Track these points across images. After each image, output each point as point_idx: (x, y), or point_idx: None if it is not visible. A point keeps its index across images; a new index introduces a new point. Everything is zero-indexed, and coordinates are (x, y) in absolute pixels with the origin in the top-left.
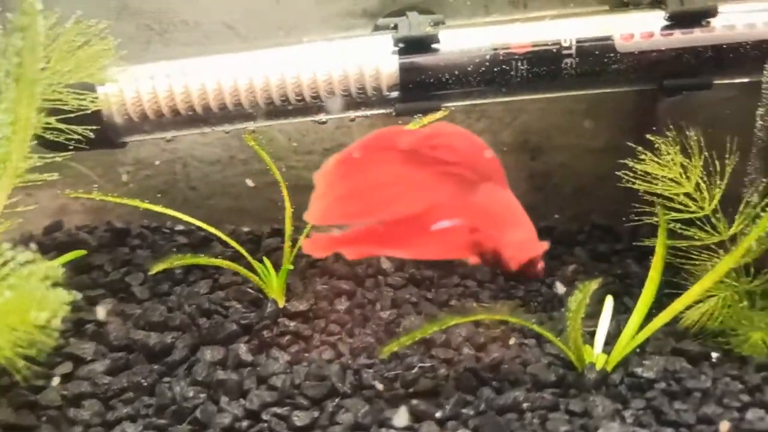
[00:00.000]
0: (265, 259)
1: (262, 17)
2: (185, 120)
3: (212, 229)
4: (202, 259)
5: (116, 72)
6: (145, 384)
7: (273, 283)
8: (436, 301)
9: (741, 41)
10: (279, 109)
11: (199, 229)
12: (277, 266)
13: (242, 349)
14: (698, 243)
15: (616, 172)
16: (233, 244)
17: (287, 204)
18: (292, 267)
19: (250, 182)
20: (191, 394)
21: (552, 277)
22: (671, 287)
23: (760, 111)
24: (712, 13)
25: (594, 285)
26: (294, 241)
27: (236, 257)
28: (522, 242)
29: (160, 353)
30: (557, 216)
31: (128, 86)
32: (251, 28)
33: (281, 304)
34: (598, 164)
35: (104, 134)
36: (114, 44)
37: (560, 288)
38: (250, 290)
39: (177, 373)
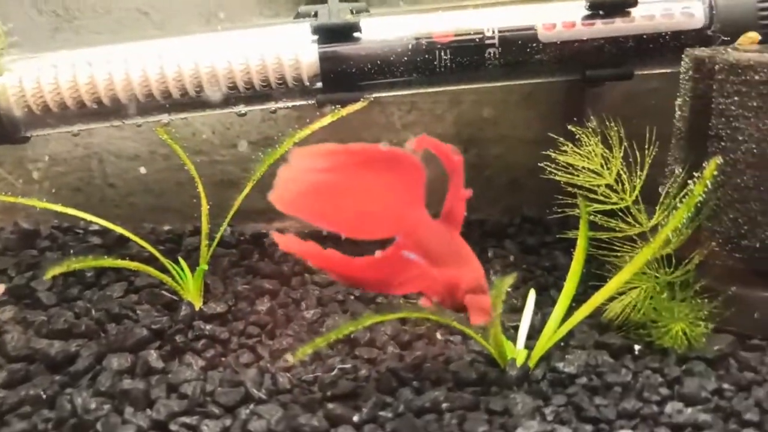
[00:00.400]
0: (180, 259)
1: (179, 3)
2: (92, 113)
3: (120, 230)
4: (105, 261)
5: (10, 61)
6: (45, 396)
7: (189, 285)
8: (363, 299)
9: (660, 31)
10: (194, 100)
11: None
12: (196, 266)
13: (152, 356)
14: (620, 234)
15: (547, 164)
16: (143, 244)
17: (203, 202)
18: (206, 267)
19: (143, 170)
20: (94, 405)
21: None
22: (597, 279)
23: (679, 101)
24: (631, 2)
25: (509, 281)
26: (212, 240)
27: (154, 258)
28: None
29: (63, 363)
30: (490, 210)
31: (28, 76)
32: (167, 14)
33: (198, 306)
34: (531, 156)
35: (2, 128)
36: (5, 30)
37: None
38: (165, 293)
39: (80, 384)
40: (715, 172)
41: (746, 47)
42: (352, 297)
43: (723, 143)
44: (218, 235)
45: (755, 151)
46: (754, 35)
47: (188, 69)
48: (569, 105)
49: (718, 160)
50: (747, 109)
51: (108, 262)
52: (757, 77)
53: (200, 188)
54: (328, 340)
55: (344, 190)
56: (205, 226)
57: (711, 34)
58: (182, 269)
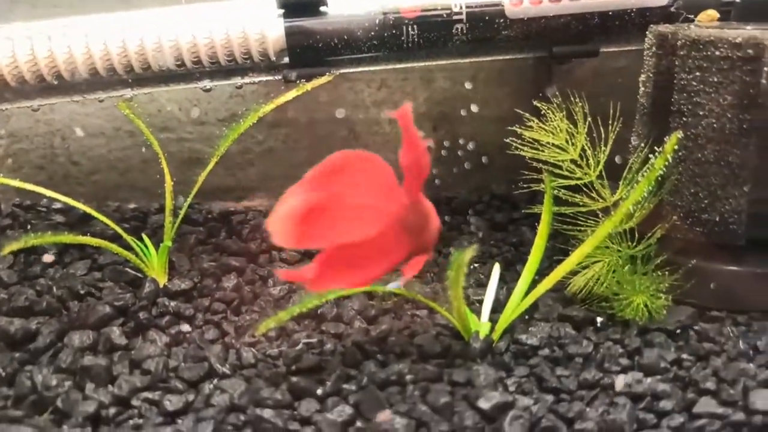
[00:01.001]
0: (144, 236)
1: None
2: (52, 87)
3: (83, 207)
4: (65, 237)
5: None
6: (4, 374)
7: (153, 262)
8: None
9: (626, 8)
10: (158, 74)
11: None
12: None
13: (115, 333)
14: (584, 209)
15: (513, 140)
16: (107, 221)
17: (167, 178)
18: (170, 244)
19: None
20: (54, 382)
21: (449, 248)
22: (563, 254)
23: (642, 77)
24: None
25: (469, 253)
26: (176, 216)
27: (118, 236)
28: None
29: (23, 340)
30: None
31: None
32: None
33: (162, 283)
34: (501, 133)
35: None
36: None
37: None
38: (129, 270)
39: (40, 361)
40: (676, 147)
41: (706, 24)
42: None
43: (685, 118)
44: (182, 212)
45: (715, 125)
46: (712, 13)
47: (151, 43)
48: (539, 82)
49: (679, 134)
50: (708, 85)
51: (68, 238)
52: (717, 53)
53: (164, 164)
54: (291, 314)
55: (330, 205)
56: (169, 203)
57: (674, 11)
58: (146, 246)
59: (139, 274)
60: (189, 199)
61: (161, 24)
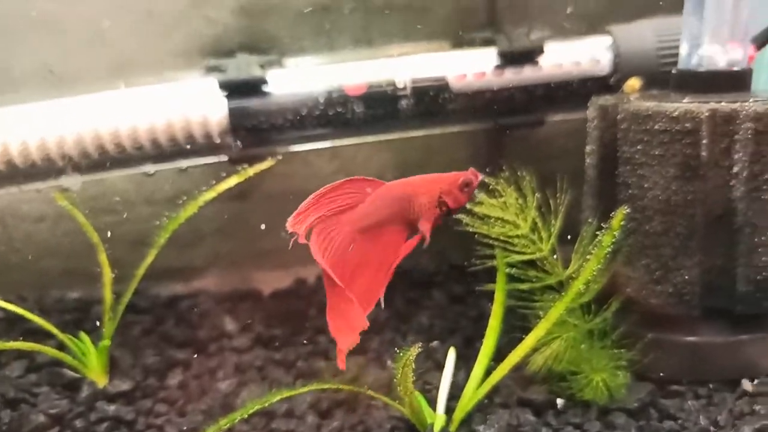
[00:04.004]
0: (83, 334)
1: (86, 58)
2: None
3: (14, 308)
4: None
5: None
6: None
7: (92, 361)
8: (283, 363)
9: (568, 78)
10: (97, 162)
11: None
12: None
13: None
14: (539, 285)
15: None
16: (38, 321)
17: (106, 271)
18: (109, 343)
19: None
20: None
21: (408, 324)
22: (521, 331)
23: (588, 148)
24: (539, 51)
25: (414, 351)
26: (120, 304)
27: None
28: None
29: None
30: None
31: None
32: (72, 70)
33: (102, 384)
34: None
35: None
36: None
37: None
38: (67, 371)
39: None
40: (625, 221)
41: (641, 94)
42: (272, 362)
43: (631, 191)
44: (124, 302)
45: (661, 197)
46: (634, 82)
47: (89, 130)
48: (492, 148)
49: (625, 209)
50: (650, 157)
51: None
52: (656, 126)
53: (102, 257)
54: (232, 422)
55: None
56: (108, 297)
57: (615, 81)
58: (84, 344)
59: (78, 375)
60: (132, 287)
61: (102, 110)
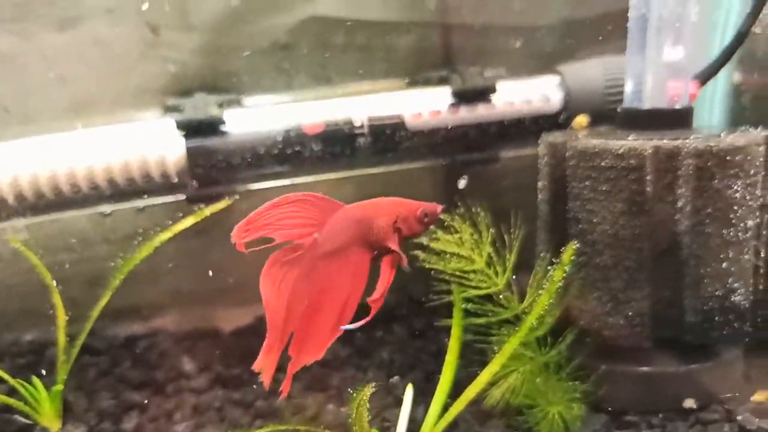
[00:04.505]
0: (35, 378)
1: (44, 97)
2: None
3: None
4: None
5: None
6: None
7: (45, 407)
8: (242, 403)
9: (520, 116)
10: (53, 202)
11: None
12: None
13: None
14: (495, 319)
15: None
16: None
17: (60, 313)
18: (62, 388)
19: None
20: None
21: (369, 360)
22: (479, 365)
23: (540, 184)
24: (491, 90)
25: (368, 391)
26: (68, 355)
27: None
28: None
29: None
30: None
31: None
32: (30, 109)
33: (54, 430)
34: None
35: None
36: None
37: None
38: (19, 418)
39: None
40: (576, 255)
41: (588, 131)
42: (231, 402)
43: (581, 225)
44: (78, 344)
45: (609, 232)
46: (582, 119)
47: (45, 171)
48: (451, 183)
49: (575, 244)
50: (598, 193)
51: None
52: (603, 163)
53: (56, 298)
54: None
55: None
56: (62, 340)
57: (564, 119)
58: (36, 389)
59: (29, 422)
60: (86, 329)
61: (58, 150)
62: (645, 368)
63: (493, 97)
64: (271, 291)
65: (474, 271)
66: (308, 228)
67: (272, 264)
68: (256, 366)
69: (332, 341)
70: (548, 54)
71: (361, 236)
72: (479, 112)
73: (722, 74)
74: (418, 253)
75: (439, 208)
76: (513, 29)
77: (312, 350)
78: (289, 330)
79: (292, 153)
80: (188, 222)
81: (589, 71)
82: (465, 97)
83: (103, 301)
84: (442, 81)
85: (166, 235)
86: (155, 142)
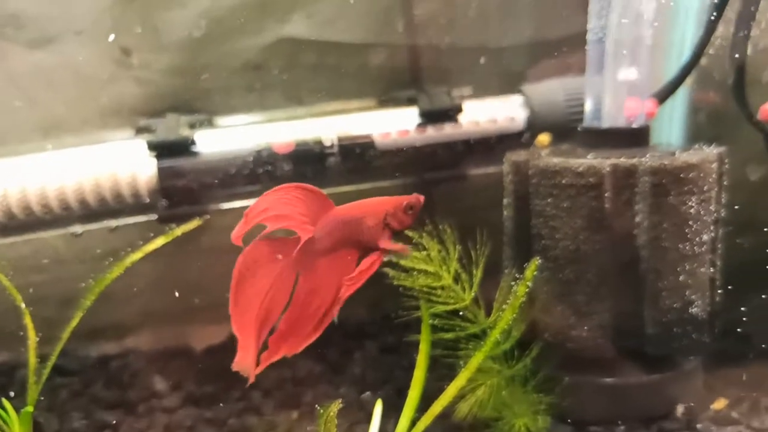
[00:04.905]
0: (4, 401)
1: (15, 117)
2: None
3: None
4: None
5: None
6: None
7: (14, 429)
8: (215, 422)
9: (486, 135)
10: (23, 223)
11: None
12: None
13: None
14: (463, 334)
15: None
16: None
17: (31, 335)
18: (32, 410)
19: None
20: None
21: (341, 376)
22: (450, 379)
23: (505, 201)
24: (458, 109)
25: (335, 407)
26: (39, 376)
27: None
28: None
29: None
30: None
31: None
32: (0, 130)
33: None
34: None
35: None
36: None
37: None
38: None
39: None
40: (540, 270)
41: (550, 150)
42: (203, 420)
43: (544, 241)
44: (49, 365)
45: (571, 248)
46: (544, 137)
47: (15, 191)
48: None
49: (537, 260)
50: (560, 210)
51: None
52: (564, 181)
53: (27, 320)
54: None
55: None
56: (32, 361)
57: (528, 137)
58: (6, 411)
59: None
60: (57, 350)
61: (29, 171)
62: (608, 379)
63: (460, 117)
64: (247, 282)
65: (442, 287)
66: (300, 218)
67: (253, 254)
68: (234, 365)
69: (314, 339)
70: (513, 74)
71: (351, 238)
72: (446, 132)
73: (680, 93)
74: (388, 270)
75: (422, 198)
76: (479, 50)
77: (293, 345)
78: (269, 323)
79: (263, 172)
80: (159, 242)
81: (552, 91)
82: (432, 116)
83: (74, 322)
84: (411, 101)
85: (137, 256)
86: (127, 163)
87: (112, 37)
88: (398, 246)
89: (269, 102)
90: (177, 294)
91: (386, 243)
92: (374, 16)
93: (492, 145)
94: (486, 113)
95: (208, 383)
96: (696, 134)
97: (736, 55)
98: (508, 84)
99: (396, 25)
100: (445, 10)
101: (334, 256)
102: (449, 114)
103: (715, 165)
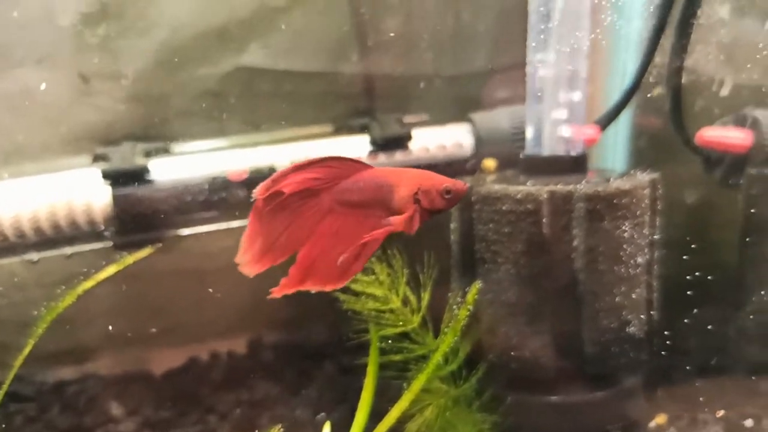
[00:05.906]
0: None
1: None
2: None
3: None
4: None
5: None
6: None
7: None
8: None
9: (435, 161)
10: None
11: None
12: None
13: None
14: (412, 355)
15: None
16: None
17: None
18: None
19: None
20: None
21: (298, 397)
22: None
23: (452, 226)
24: (408, 137)
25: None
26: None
27: None
28: None
29: None
30: (310, 328)
31: None
32: None
33: None
34: None
35: None
36: None
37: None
38: None
39: None
40: (484, 292)
41: (493, 175)
42: None
43: (487, 265)
44: (2, 391)
45: (512, 271)
46: (490, 163)
47: None
48: None
49: (478, 284)
50: (501, 235)
51: None
52: (504, 207)
53: None
54: None
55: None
56: None
57: (474, 164)
58: None
59: None
60: (10, 376)
61: None
62: (550, 397)
63: (410, 144)
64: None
65: (391, 310)
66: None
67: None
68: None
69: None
70: (462, 101)
71: (380, 200)
72: (397, 158)
73: (623, 118)
74: (339, 294)
75: (466, 186)
76: (429, 78)
77: (317, 281)
78: (285, 249)
79: (218, 199)
80: (111, 270)
81: (498, 118)
82: (383, 143)
83: (26, 350)
84: (363, 128)
85: (89, 284)
86: (82, 191)
87: (71, 64)
88: (397, 220)
89: (226, 129)
90: (137, 318)
91: (396, 219)
92: (329, 46)
93: (440, 171)
94: (435, 140)
95: (166, 408)
96: (639, 158)
97: (673, 82)
98: (460, 111)
99: (350, 54)
100: (397, 41)
101: (361, 213)
102: (400, 141)
103: (647, 191)
